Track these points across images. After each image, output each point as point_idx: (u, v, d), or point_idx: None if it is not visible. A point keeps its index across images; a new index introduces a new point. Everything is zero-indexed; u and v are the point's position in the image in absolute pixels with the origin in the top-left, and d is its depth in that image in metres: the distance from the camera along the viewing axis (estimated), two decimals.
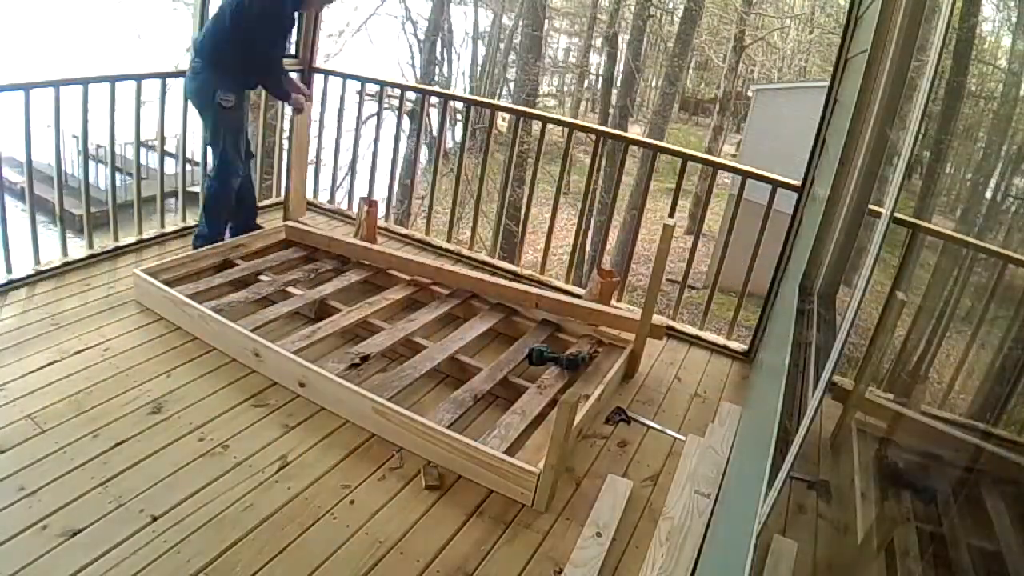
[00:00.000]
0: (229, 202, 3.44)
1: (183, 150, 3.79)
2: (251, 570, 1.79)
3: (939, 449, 1.54)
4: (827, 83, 2.93)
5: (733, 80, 16.26)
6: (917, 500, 1.46)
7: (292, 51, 4.08)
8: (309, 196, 4.18)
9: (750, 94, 15.78)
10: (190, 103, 3.30)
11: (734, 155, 15.68)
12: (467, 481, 2.22)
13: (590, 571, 1.95)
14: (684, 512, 2.19)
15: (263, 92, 3.78)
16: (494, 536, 2.04)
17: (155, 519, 1.88)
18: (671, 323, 3.50)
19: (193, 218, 3.77)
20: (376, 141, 4.47)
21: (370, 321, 2.93)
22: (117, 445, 2.11)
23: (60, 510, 1.85)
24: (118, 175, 3.37)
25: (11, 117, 2.76)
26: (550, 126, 3.98)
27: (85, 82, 2.98)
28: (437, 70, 14.68)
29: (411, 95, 5.26)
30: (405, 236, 4.05)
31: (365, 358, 2.63)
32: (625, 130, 12.76)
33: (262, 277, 3.15)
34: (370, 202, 3.82)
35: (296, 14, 3.28)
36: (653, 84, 18.32)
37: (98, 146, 4.64)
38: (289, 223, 3.62)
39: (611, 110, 14.58)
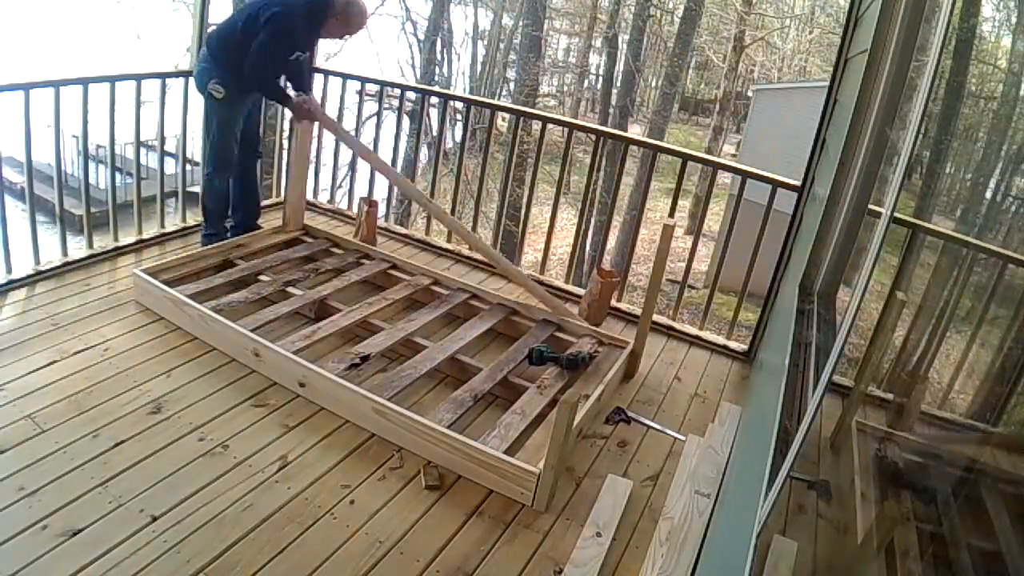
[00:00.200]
0: (220, 196, 3.43)
1: (183, 150, 3.79)
2: (251, 570, 1.79)
3: (939, 449, 1.54)
4: (827, 83, 2.92)
5: (733, 80, 16.27)
6: (917, 500, 1.46)
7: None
8: (309, 196, 4.18)
9: (750, 94, 15.79)
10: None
11: (734, 155, 15.68)
12: (467, 481, 2.22)
13: (590, 571, 1.95)
14: (684, 512, 2.19)
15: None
16: (494, 536, 2.04)
17: (155, 519, 1.88)
18: (673, 322, 3.50)
19: (193, 218, 3.78)
20: (376, 141, 4.47)
21: (370, 321, 2.93)
22: (117, 445, 2.11)
23: (60, 510, 1.85)
24: (118, 175, 3.37)
25: (11, 117, 2.76)
26: (550, 126, 3.98)
27: (85, 82, 2.98)
28: (437, 70, 14.67)
29: (411, 95, 5.26)
30: (405, 236, 4.06)
31: (365, 358, 2.63)
32: (625, 130, 12.76)
33: (262, 277, 3.15)
34: (370, 202, 3.82)
35: (310, 40, 3.25)
36: (653, 84, 18.32)
37: (98, 146, 4.64)
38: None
39: (611, 110, 14.59)
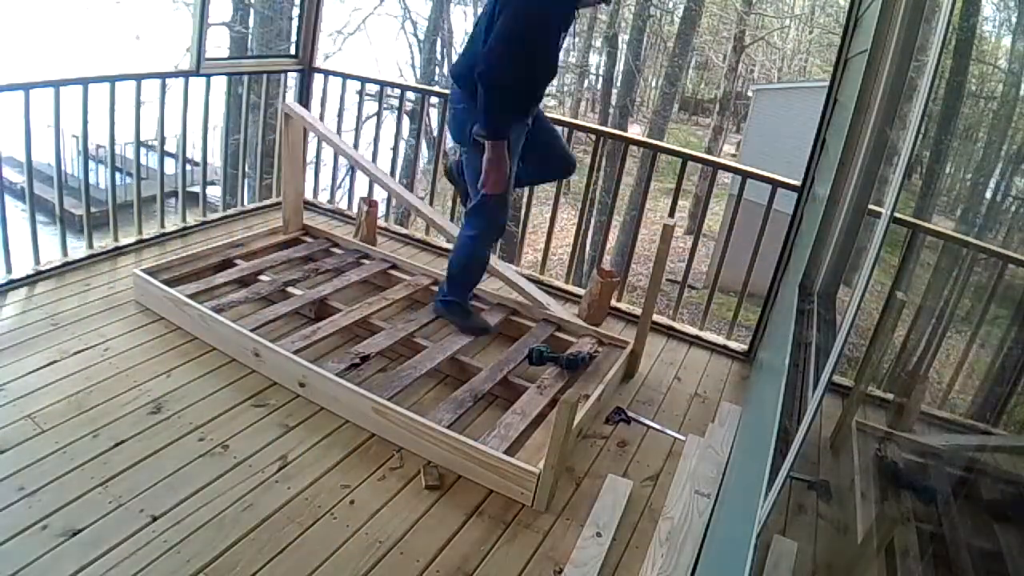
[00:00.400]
0: (482, 264, 2.92)
1: (183, 150, 3.79)
2: (251, 570, 1.79)
3: (939, 449, 1.54)
4: (827, 83, 2.93)
5: (733, 80, 16.27)
6: (917, 500, 1.46)
7: (292, 51, 4.10)
8: (309, 196, 4.18)
9: (750, 94, 15.79)
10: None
11: (734, 155, 15.69)
12: (467, 481, 2.22)
13: (590, 571, 1.95)
14: (684, 512, 2.19)
15: (262, 92, 3.76)
16: (494, 536, 2.04)
17: (155, 519, 1.88)
18: (672, 323, 3.51)
19: (193, 218, 3.78)
20: (376, 141, 4.47)
21: (370, 321, 2.93)
22: (117, 445, 2.11)
23: (60, 510, 1.85)
24: (118, 175, 3.36)
25: (11, 117, 2.76)
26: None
27: (85, 82, 2.98)
28: (437, 70, 14.67)
29: (411, 95, 5.26)
30: (405, 236, 4.05)
31: (365, 358, 2.63)
32: (625, 130, 12.76)
33: (262, 277, 3.15)
34: (370, 202, 3.82)
35: (566, 16, 2.46)
36: (653, 84, 18.32)
37: (98, 146, 4.64)
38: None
39: (611, 110, 14.58)
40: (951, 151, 2.05)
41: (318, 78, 4.13)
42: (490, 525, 2.08)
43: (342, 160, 4.35)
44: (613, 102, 14.74)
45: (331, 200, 4.58)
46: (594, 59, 16.89)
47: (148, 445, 2.14)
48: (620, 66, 15.35)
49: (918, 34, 1.93)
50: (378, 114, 5.00)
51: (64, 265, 3.09)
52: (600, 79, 16.54)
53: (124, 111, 3.18)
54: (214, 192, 7.28)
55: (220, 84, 3.72)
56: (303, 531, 1.93)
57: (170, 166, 6.55)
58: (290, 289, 3.07)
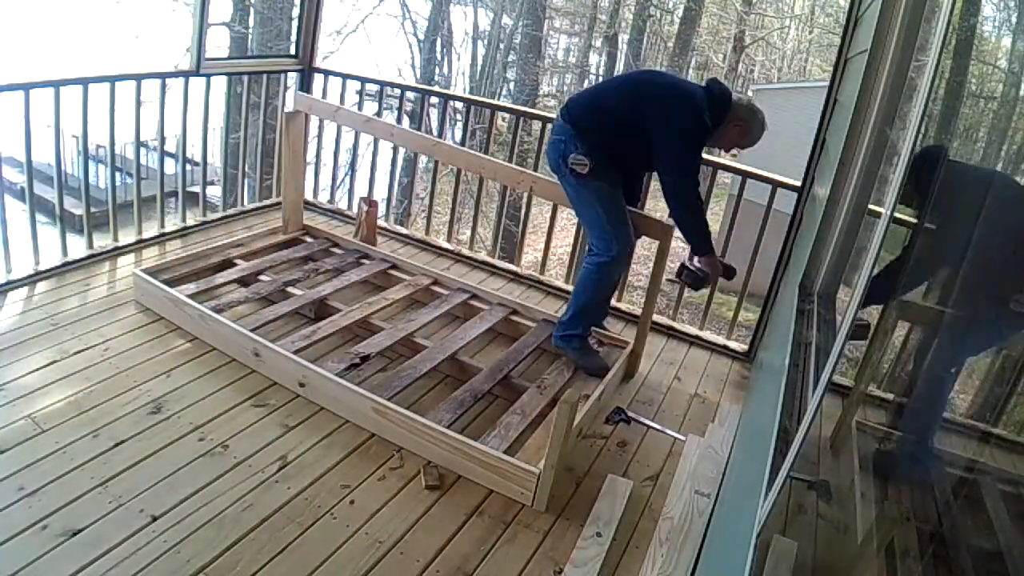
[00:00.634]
0: (609, 290, 2.95)
1: (183, 150, 3.79)
2: (251, 570, 1.79)
3: (939, 449, 1.54)
4: (827, 83, 2.93)
5: (733, 80, 16.25)
6: (917, 500, 1.46)
7: (292, 51, 4.10)
8: (309, 196, 4.18)
9: (750, 94, 15.78)
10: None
11: (734, 155, 15.65)
12: (467, 481, 2.22)
13: (590, 571, 1.95)
14: (684, 512, 2.19)
15: (262, 92, 3.76)
16: (494, 536, 2.04)
17: (155, 519, 1.88)
18: (672, 323, 3.51)
19: (193, 218, 3.78)
20: (376, 141, 4.46)
21: (370, 321, 2.93)
22: (117, 445, 2.11)
23: (60, 510, 1.85)
24: (118, 175, 3.36)
25: (11, 117, 2.76)
26: (550, 126, 3.98)
27: (85, 82, 2.98)
28: (437, 70, 14.67)
29: (411, 95, 5.26)
30: (405, 236, 4.06)
31: (365, 358, 2.63)
32: None
33: (262, 277, 3.15)
34: (370, 202, 3.82)
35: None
36: None
37: (98, 146, 4.64)
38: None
39: None
40: (951, 151, 2.04)
41: (318, 78, 4.13)
42: (490, 525, 2.08)
43: (342, 160, 4.35)
44: None
45: (331, 200, 4.58)
46: (594, 59, 16.89)
47: (148, 445, 2.14)
48: (620, 66, 15.35)
49: (918, 34, 1.93)
50: (378, 114, 5.00)
51: (64, 265, 3.09)
52: (600, 79, 16.53)
53: (124, 111, 3.18)
54: (214, 192, 7.28)
55: (220, 84, 3.72)
56: (303, 531, 1.93)
57: (170, 166, 6.55)
58: (290, 289, 3.07)
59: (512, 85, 14.80)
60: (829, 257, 2.34)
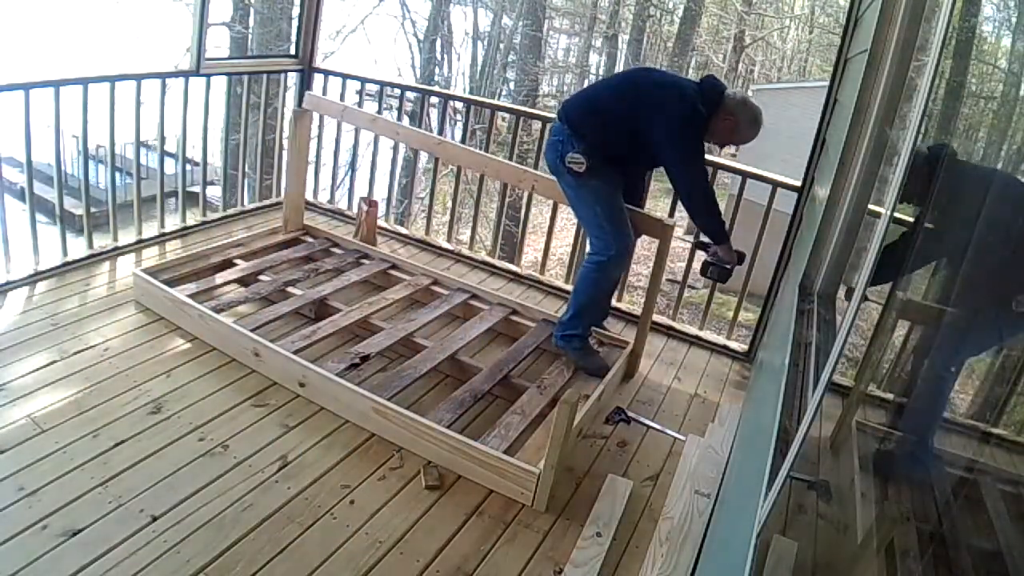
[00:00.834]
0: (611, 288, 2.95)
1: (183, 150, 3.79)
2: (251, 570, 1.79)
3: (939, 449, 1.54)
4: (827, 83, 2.93)
5: (733, 80, 16.25)
6: (917, 500, 1.46)
7: (292, 51, 4.10)
8: (309, 196, 4.18)
9: (750, 94, 15.79)
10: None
11: (734, 155, 15.66)
12: (467, 481, 2.22)
13: (590, 571, 1.95)
14: (684, 512, 2.19)
15: (262, 92, 3.76)
16: (494, 536, 2.04)
17: (155, 519, 1.88)
18: (672, 323, 3.51)
19: (193, 218, 3.78)
20: (376, 141, 4.46)
21: (370, 321, 2.93)
22: (117, 445, 2.11)
23: (60, 510, 1.85)
24: (118, 175, 3.36)
25: (11, 117, 2.76)
26: (550, 126, 3.98)
27: (85, 82, 2.98)
28: (437, 70, 14.67)
29: (411, 95, 5.26)
30: (405, 236, 4.06)
31: (365, 358, 2.63)
32: None
33: (262, 277, 3.15)
34: (370, 202, 3.82)
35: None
36: None
37: (98, 146, 4.65)
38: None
39: None
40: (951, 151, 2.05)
41: (318, 78, 4.13)
42: (490, 525, 2.08)
43: (342, 160, 4.35)
44: None
45: (331, 200, 4.58)
46: (594, 59, 16.89)
47: (148, 445, 2.14)
48: (620, 66, 15.35)
49: (918, 34, 1.93)
50: (378, 114, 5.00)
51: (64, 265, 3.09)
52: (600, 79, 16.53)
53: (124, 111, 3.18)
54: (214, 192, 7.28)
55: (220, 84, 3.72)
56: (303, 531, 1.93)
57: (170, 166, 6.55)
58: (290, 289, 3.07)
59: (512, 85, 14.79)
60: (829, 257, 2.34)
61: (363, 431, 2.36)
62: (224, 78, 3.76)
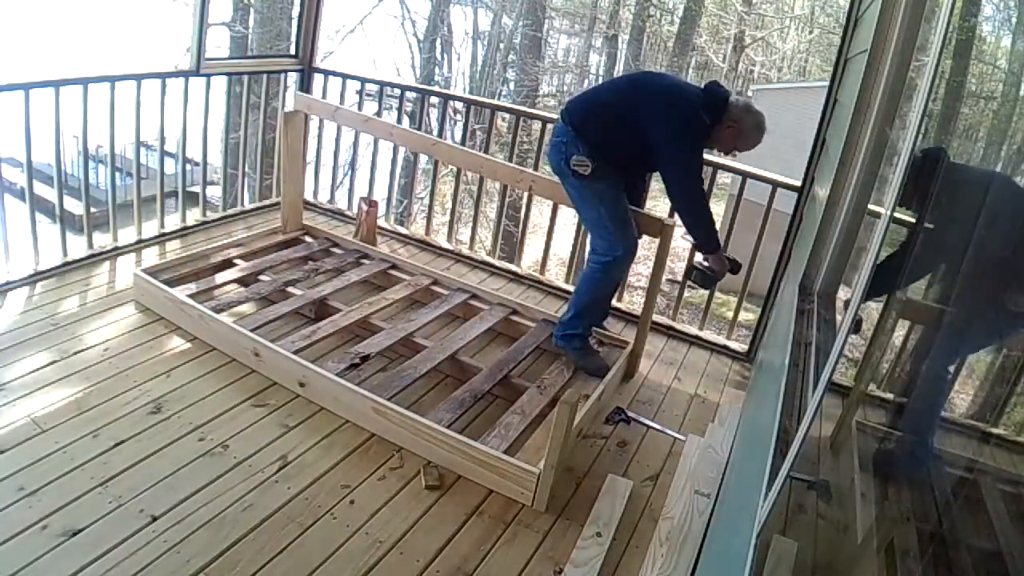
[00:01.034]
0: (612, 288, 2.97)
1: (183, 150, 3.79)
2: (251, 570, 1.79)
3: (939, 449, 1.54)
4: (827, 83, 2.93)
5: (733, 80, 16.26)
6: (917, 500, 1.46)
7: (292, 51, 4.10)
8: (309, 196, 4.18)
9: (750, 94, 15.79)
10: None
11: (733, 156, 15.65)
12: (467, 481, 2.22)
13: (590, 571, 1.95)
14: (684, 512, 2.19)
15: (262, 92, 3.76)
16: (494, 536, 2.04)
17: (155, 519, 1.88)
18: (672, 323, 3.51)
19: (193, 218, 3.78)
20: (376, 141, 4.46)
21: (370, 321, 2.93)
22: (117, 445, 2.11)
23: (60, 510, 1.85)
24: (118, 175, 3.36)
25: (11, 117, 2.76)
26: (550, 126, 3.98)
27: (85, 82, 2.98)
28: (437, 70, 14.67)
29: (411, 95, 5.26)
30: (405, 236, 4.06)
31: (365, 358, 2.63)
32: None
33: (262, 277, 3.15)
34: (370, 202, 3.82)
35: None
36: None
37: (98, 146, 4.64)
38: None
39: None
40: (951, 151, 2.04)
41: (318, 78, 4.13)
42: (490, 525, 2.08)
43: (342, 160, 4.35)
44: None
45: (331, 200, 4.58)
46: (594, 59, 16.90)
47: (148, 445, 2.14)
48: (620, 66, 15.36)
49: (918, 34, 1.93)
50: (378, 114, 5.00)
51: (64, 265, 3.09)
52: (600, 79, 16.54)
53: (124, 111, 3.18)
54: (214, 192, 7.28)
55: (220, 84, 3.72)
56: (303, 531, 1.93)
57: (170, 166, 6.54)
58: (290, 289, 3.07)
59: (512, 85, 14.80)
60: (829, 257, 2.34)
61: (363, 431, 2.36)
62: (224, 78, 3.76)
